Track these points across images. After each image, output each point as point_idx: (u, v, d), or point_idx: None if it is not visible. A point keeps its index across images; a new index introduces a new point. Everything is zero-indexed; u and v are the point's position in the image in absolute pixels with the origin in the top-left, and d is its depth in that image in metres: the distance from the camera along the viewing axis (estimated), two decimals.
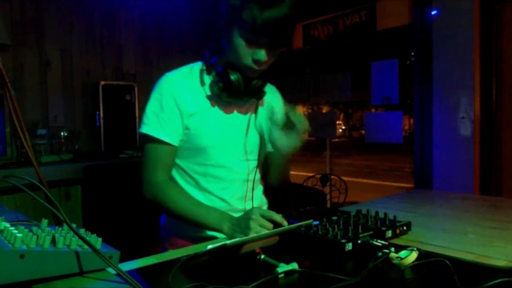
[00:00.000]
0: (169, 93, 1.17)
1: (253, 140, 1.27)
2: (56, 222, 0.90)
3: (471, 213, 1.43)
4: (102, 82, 2.83)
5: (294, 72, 4.78)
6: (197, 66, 1.24)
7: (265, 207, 1.39)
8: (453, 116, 2.51)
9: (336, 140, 17.02)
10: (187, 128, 1.18)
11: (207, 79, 1.20)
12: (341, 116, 23.20)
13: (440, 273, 0.81)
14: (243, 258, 0.87)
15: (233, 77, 1.12)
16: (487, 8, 2.42)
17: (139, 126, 1.21)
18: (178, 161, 1.23)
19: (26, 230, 0.79)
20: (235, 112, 1.24)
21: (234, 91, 1.14)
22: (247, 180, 1.27)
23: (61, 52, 2.86)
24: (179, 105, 1.16)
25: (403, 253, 0.83)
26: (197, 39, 3.55)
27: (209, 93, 1.19)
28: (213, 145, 1.19)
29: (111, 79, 3.08)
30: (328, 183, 3.98)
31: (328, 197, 3.93)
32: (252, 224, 0.98)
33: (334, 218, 1.11)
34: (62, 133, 2.77)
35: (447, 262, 0.79)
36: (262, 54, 1.09)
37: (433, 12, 2.58)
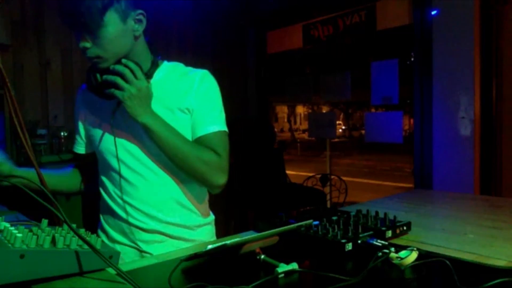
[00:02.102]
0: (75, 107, 1.28)
1: (146, 142, 1.14)
2: (56, 222, 0.90)
3: (471, 213, 1.43)
4: None
5: (294, 72, 4.78)
6: None
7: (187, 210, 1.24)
8: (453, 116, 2.51)
9: (336, 140, 17.02)
10: (88, 136, 1.24)
11: None
12: (341, 116, 23.20)
13: (440, 273, 0.81)
14: (243, 258, 0.87)
15: (88, 75, 1.11)
16: (487, 8, 2.42)
17: None
18: (99, 170, 1.24)
19: (26, 230, 0.79)
20: (109, 110, 1.13)
21: (92, 89, 1.10)
22: (152, 181, 1.15)
23: (61, 52, 2.86)
24: (78, 117, 1.25)
25: (403, 253, 0.83)
26: (197, 39, 3.55)
27: (93, 99, 1.15)
28: (106, 148, 1.16)
29: None
30: (328, 183, 3.98)
31: (328, 197, 3.93)
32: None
33: (334, 218, 1.11)
34: (62, 133, 2.77)
35: (447, 262, 0.79)
36: (80, 43, 1.05)
37: (433, 12, 2.58)
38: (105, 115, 1.14)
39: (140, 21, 1.08)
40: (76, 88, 2.93)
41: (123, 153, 1.14)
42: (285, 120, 26.39)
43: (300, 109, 26.44)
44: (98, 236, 1.20)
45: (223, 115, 1.19)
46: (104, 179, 1.20)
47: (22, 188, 0.80)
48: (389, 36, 3.23)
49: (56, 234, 0.79)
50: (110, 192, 1.18)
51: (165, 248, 1.12)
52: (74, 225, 0.78)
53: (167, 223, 1.15)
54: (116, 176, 1.15)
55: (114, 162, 1.14)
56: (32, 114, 2.73)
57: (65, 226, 0.83)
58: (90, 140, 1.24)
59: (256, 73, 3.90)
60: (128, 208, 1.15)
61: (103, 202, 1.23)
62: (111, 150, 1.14)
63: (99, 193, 1.25)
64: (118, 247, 1.17)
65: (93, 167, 1.26)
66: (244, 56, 3.89)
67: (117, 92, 1.04)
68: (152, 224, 1.15)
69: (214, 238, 1.28)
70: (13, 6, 2.64)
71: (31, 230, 0.81)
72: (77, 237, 0.78)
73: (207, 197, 1.27)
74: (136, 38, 1.10)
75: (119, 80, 1.03)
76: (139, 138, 1.13)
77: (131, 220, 1.15)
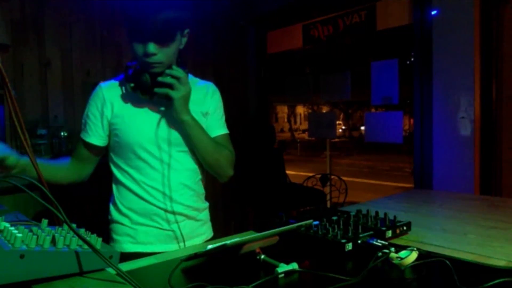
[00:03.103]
0: (94, 101, 1.36)
1: (172, 131, 1.31)
2: (56, 222, 0.90)
3: (471, 213, 1.43)
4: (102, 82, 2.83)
5: (294, 72, 4.78)
6: (122, 76, 1.34)
7: (201, 196, 1.43)
8: (453, 116, 2.51)
9: (336, 140, 17.02)
10: (114, 129, 1.32)
11: (126, 85, 1.29)
12: (341, 116, 23.19)
13: (440, 273, 0.81)
14: (243, 258, 0.87)
15: (141, 76, 1.24)
16: (487, 8, 2.42)
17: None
18: (115, 158, 1.35)
19: (26, 230, 0.79)
20: (153, 107, 1.31)
21: (142, 88, 1.24)
22: (180, 170, 1.33)
23: (61, 52, 2.86)
24: (102, 110, 1.33)
25: (403, 253, 0.83)
26: (197, 39, 3.55)
27: (128, 96, 1.31)
28: (138, 141, 1.28)
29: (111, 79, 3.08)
30: (328, 183, 3.98)
31: (328, 197, 3.93)
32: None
33: (334, 218, 1.11)
34: (62, 133, 2.77)
35: (447, 262, 0.79)
36: (148, 48, 1.18)
37: (433, 12, 2.57)
38: (138, 111, 1.31)
39: (186, 36, 1.29)
40: (76, 88, 2.94)
41: (152, 145, 1.29)
42: (285, 120, 26.40)
43: (300, 109, 26.45)
44: (113, 221, 1.34)
45: (224, 120, 1.44)
46: (127, 168, 1.32)
47: (22, 188, 0.80)
48: (389, 36, 3.23)
49: (56, 234, 0.79)
50: (136, 180, 1.31)
51: (183, 226, 1.33)
52: (74, 225, 0.78)
53: (186, 206, 1.34)
54: (144, 165, 1.30)
55: (143, 153, 1.29)
56: (32, 114, 2.73)
57: (65, 226, 0.83)
58: (114, 133, 1.32)
59: (256, 73, 3.89)
60: (155, 193, 1.30)
61: (124, 189, 1.33)
62: (144, 140, 1.28)
63: (117, 182, 1.35)
64: (142, 228, 1.31)
65: (95, 159, 1.39)
66: (244, 56, 3.89)
67: (172, 92, 1.22)
68: (175, 206, 1.32)
69: (209, 220, 1.47)
70: (13, 6, 2.64)
71: (31, 230, 0.81)
72: (77, 237, 0.78)
73: None
74: (179, 50, 1.29)
75: (176, 83, 1.22)
76: (170, 133, 1.30)
77: (157, 203, 1.30)
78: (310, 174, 4.09)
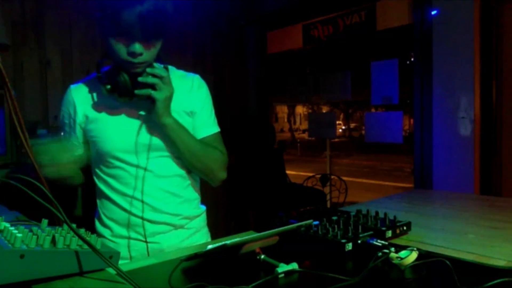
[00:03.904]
0: (65, 106, 1.27)
1: (153, 136, 1.21)
2: (56, 222, 0.90)
3: (471, 213, 1.43)
4: None
5: (294, 72, 4.78)
6: (94, 76, 1.23)
7: (193, 203, 1.33)
8: (453, 116, 2.51)
9: (336, 140, 17.02)
10: (90, 136, 1.22)
11: (100, 86, 1.17)
12: (341, 116, 23.19)
13: (440, 273, 0.81)
14: (243, 258, 0.87)
15: (119, 76, 1.12)
16: (487, 8, 2.42)
17: None
18: (94, 166, 1.27)
19: (26, 230, 0.79)
20: (131, 111, 1.20)
21: (121, 89, 1.12)
22: (163, 177, 1.23)
23: (61, 52, 2.86)
24: (74, 116, 1.24)
25: (403, 253, 0.83)
26: (197, 39, 3.55)
27: (102, 98, 1.19)
28: (114, 148, 1.18)
29: None
30: (328, 183, 3.98)
31: (328, 197, 3.93)
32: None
33: (334, 218, 1.11)
34: (62, 133, 2.77)
35: (447, 262, 0.79)
36: (135, 47, 1.08)
37: (433, 12, 2.57)
38: (114, 114, 1.20)
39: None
40: None
41: (130, 152, 1.19)
42: (285, 120, 26.39)
43: (300, 109, 26.44)
44: (97, 234, 1.23)
45: (214, 116, 1.31)
46: (107, 177, 1.23)
47: (22, 188, 0.80)
48: (389, 36, 3.23)
49: (56, 234, 0.79)
50: (116, 189, 1.21)
51: (170, 237, 1.23)
52: (74, 225, 0.78)
53: (173, 214, 1.23)
54: (123, 173, 1.20)
55: (120, 161, 1.19)
56: (32, 114, 2.73)
57: (65, 226, 0.83)
58: (91, 140, 1.23)
59: (256, 73, 3.90)
60: (136, 203, 1.20)
61: (105, 199, 1.25)
62: (123, 147, 1.18)
63: (99, 192, 1.27)
64: (123, 242, 1.22)
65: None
66: (244, 56, 3.89)
67: (155, 93, 1.11)
68: (159, 217, 1.21)
69: (206, 226, 1.37)
70: (13, 6, 2.64)
71: (31, 230, 0.81)
72: (77, 237, 0.78)
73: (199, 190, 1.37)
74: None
75: (159, 83, 1.11)
76: (150, 138, 1.19)
77: (139, 213, 1.20)
78: (310, 174, 4.09)
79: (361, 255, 0.90)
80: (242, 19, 3.77)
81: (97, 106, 1.21)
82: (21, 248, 0.71)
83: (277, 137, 5.12)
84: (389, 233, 1.03)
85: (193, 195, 1.31)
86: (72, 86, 1.28)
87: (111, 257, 0.84)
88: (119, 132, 1.19)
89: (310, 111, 18.07)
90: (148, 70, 1.13)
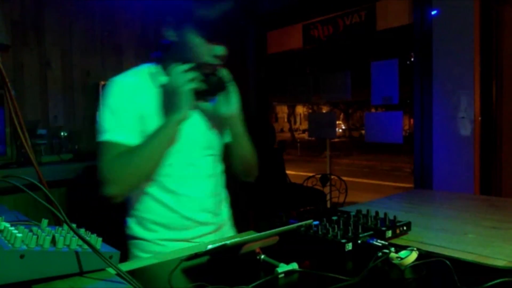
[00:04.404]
0: (120, 96, 1.16)
1: (211, 135, 1.27)
2: (56, 222, 0.90)
3: (471, 213, 1.43)
4: (102, 82, 2.83)
5: (294, 72, 4.78)
6: (145, 68, 1.23)
7: (226, 201, 1.39)
8: (453, 116, 2.51)
9: (336, 140, 17.02)
10: (142, 131, 1.15)
11: (164, 80, 1.17)
12: (341, 116, 23.19)
13: (440, 273, 0.81)
14: (243, 258, 0.87)
15: (212, 78, 1.18)
16: (487, 8, 2.42)
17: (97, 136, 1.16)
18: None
19: (26, 230, 0.79)
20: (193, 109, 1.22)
21: (212, 90, 1.20)
22: (211, 175, 1.26)
23: (61, 52, 2.86)
24: (131, 106, 1.16)
25: (403, 253, 0.83)
26: None
27: (158, 94, 1.18)
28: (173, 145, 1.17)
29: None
30: (328, 183, 3.98)
31: (328, 197, 3.93)
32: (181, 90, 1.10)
33: (334, 218, 1.11)
34: (62, 133, 2.77)
35: (447, 262, 0.79)
36: (220, 49, 1.16)
37: (433, 12, 2.57)
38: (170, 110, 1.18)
39: None
40: (76, 88, 2.94)
41: (186, 149, 1.20)
42: (285, 120, 26.39)
43: (300, 109, 26.44)
44: (133, 238, 1.21)
45: None
46: (158, 178, 1.18)
47: (22, 188, 0.80)
48: (389, 36, 3.23)
49: (56, 234, 0.79)
50: (166, 189, 1.19)
51: (213, 238, 1.24)
52: (74, 225, 0.78)
53: (217, 214, 1.28)
54: (175, 172, 1.19)
55: (175, 158, 1.18)
56: (32, 114, 2.73)
57: (65, 226, 0.83)
58: (143, 134, 1.16)
59: (256, 73, 3.90)
60: (187, 202, 1.20)
61: (151, 201, 1.20)
62: (178, 145, 1.17)
63: (142, 193, 1.21)
64: (171, 244, 1.19)
65: None
66: (244, 56, 3.89)
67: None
68: (206, 217, 1.24)
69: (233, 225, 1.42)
70: (13, 6, 2.64)
71: (31, 230, 0.81)
72: (77, 237, 0.78)
73: None
74: None
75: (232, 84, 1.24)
76: (201, 135, 1.24)
77: (189, 214, 1.20)
78: (310, 174, 4.09)
79: (361, 255, 0.90)
80: (242, 19, 3.77)
81: (153, 102, 1.18)
82: (21, 248, 0.71)
83: (277, 137, 5.12)
84: (389, 233, 1.03)
85: (226, 194, 1.37)
86: (118, 79, 1.20)
87: (111, 257, 0.84)
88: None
89: (310, 111, 18.08)
90: (223, 73, 1.22)
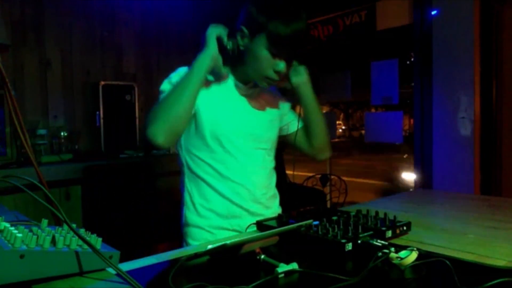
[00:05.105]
0: (181, 76, 1.20)
1: (265, 129, 1.32)
2: (56, 222, 0.89)
3: (471, 213, 1.43)
4: (102, 82, 2.83)
5: None
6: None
7: (277, 198, 1.43)
8: (453, 116, 2.51)
9: (336, 140, 17.01)
10: (200, 116, 1.21)
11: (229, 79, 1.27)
12: (341, 116, 23.17)
13: (440, 273, 0.81)
14: (243, 258, 0.86)
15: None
16: (487, 8, 2.42)
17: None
18: (195, 152, 1.25)
19: (26, 230, 0.79)
20: (249, 103, 1.30)
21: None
22: (262, 168, 1.32)
23: (61, 52, 2.86)
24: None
25: (403, 253, 0.83)
26: (197, 39, 3.55)
27: (219, 83, 1.26)
28: (228, 133, 1.23)
29: (111, 79, 3.08)
30: (328, 183, 3.98)
31: (328, 197, 3.93)
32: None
33: (334, 218, 1.11)
34: (62, 133, 2.77)
35: (447, 262, 0.79)
36: (283, 66, 1.19)
37: (433, 12, 2.57)
38: (229, 101, 1.27)
39: None
40: (76, 88, 2.94)
41: (241, 139, 1.25)
42: None
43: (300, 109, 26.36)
44: (189, 225, 1.26)
45: None
46: (213, 162, 1.24)
47: (22, 188, 0.80)
48: (389, 36, 3.23)
49: (56, 234, 0.79)
50: (222, 175, 1.24)
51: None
52: (74, 225, 0.78)
53: (268, 207, 1.32)
54: (231, 159, 1.24)
55: (231, 146, 1.23)
56: (32, 114, 2.73)
57: (65, 226, 0.83)
58: (199, 120, 1.22)
59: None
60: (240, 191, 1.25)
61: (206, 187, 1.25)
62: (231, 134, 1.23)
63: (198, 180, 1.26)
64: (221, 233, 1.24)
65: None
66: None
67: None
68: (256, 208, 1.28)
69: None
70: (13, 6, 2.64)
71: (31, 230, 0.81)
72: (77, 237, 0.78)
73: None
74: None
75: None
76: (256, 129, 1.29)
77: (241, 202, 1.25)
78: (310, 174, 4.09)
79: (361, 255, 0.90)
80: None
81: (214, 90, 1.25)
82: (21, 248, 0.71)
83: None
84: (389, 233, 1.03)
85: (276, 192, 1.40)
86: (184, 68, 1.25)
87: (111, 257, 0.83)
88: (233, 117, 1.25)
89: None
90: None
